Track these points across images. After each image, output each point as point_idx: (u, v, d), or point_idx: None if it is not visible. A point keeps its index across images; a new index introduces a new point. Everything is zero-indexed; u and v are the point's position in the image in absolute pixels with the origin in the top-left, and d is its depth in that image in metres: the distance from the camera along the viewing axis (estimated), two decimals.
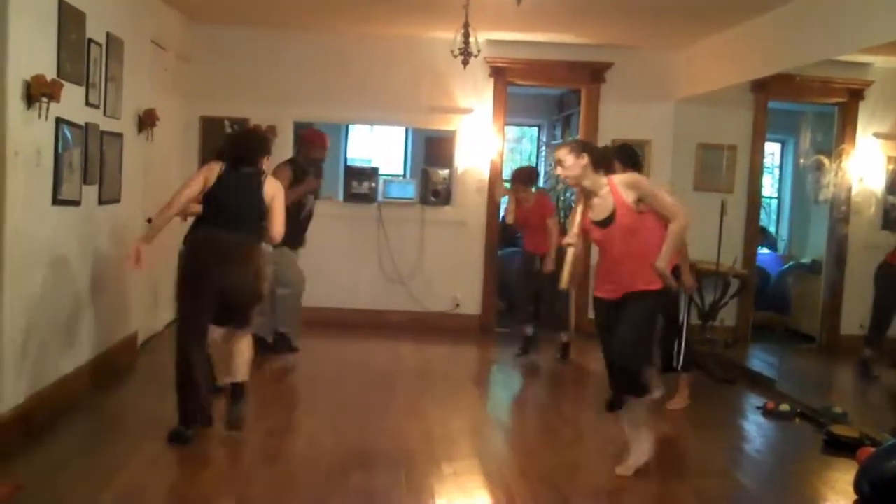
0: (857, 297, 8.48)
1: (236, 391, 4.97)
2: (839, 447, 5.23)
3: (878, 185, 8.69)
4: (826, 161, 8.80)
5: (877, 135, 8.56)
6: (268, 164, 5.12)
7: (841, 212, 8.64)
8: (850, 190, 8.59)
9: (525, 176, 7.56)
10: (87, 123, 5.42)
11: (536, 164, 11.95)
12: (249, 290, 4.87)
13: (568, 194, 9.41)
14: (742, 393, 6.85)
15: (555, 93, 11.16)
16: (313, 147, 6.93)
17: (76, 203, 5.30)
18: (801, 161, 9.73)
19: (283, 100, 8.59)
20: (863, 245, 8.56)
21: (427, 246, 8.89)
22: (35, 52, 4.65)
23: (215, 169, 4.84)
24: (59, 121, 4.90)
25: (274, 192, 4.92)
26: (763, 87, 8.44)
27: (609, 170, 4.74)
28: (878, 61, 8.04)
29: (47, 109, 4.67)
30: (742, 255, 8.65)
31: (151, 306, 7.38)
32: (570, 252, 4.63)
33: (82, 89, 5.34)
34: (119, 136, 6.12)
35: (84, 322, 5.60)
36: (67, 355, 5.33)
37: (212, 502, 4.10)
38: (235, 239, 4.80)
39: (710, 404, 6.49)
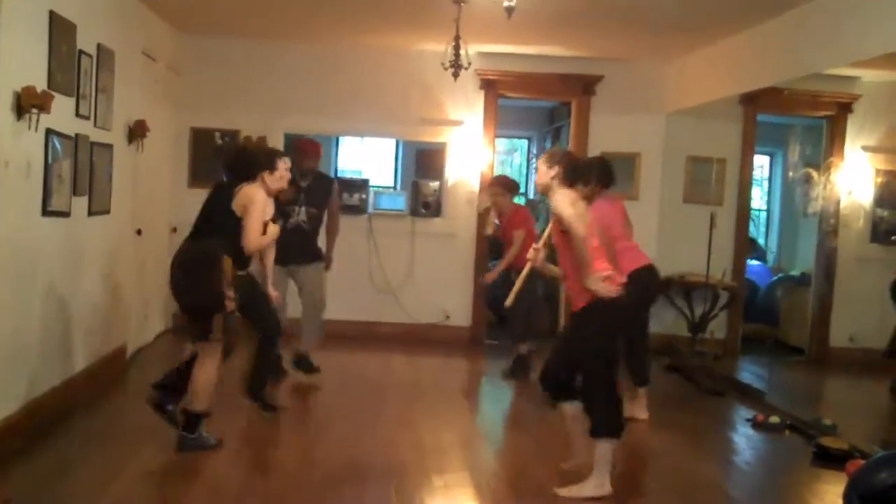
0: (846, 309, 8.54)
1: (185, 418, 4.78)
2: (829, 459, 5.24)
3: (866, 197, 8.75)
4: (815, 174, 8.86)
5: (865, 148, 8.63)
6: (269, 178, 5.08)
7: (830, 224, 8.69)
8: (838, 203, 8.64)
9: (504, 180, 7.52)
10: (77, 135, 5.40)
11: (527, 176, 11.97)
12: (192, 296, 4.75)
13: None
14: (732, 405, 6.85)
15: (545, 105, 11.20)
16: (306, 156, 6.61)
17: (66, 214, 5.28)
18: (790, 174, 9.80)
19: (274, 111, 8.59)
20: (852, 258, 8.62)
21: (417, 258, 8.89)
22: (26, 63, 4.64)
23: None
24: (49, 132, 4.89)
25: (244, 202, 4.88)
26: (752, 101, 8.49)
27: (585, 183, 4.79)
28: (867, 75, 8.10)
29: (37, 121, 4.66)
30: (731, 268, 8.68)
31: (142, 318, 7.35)
32: (527, 268, 4.68)
33: (73, 100, 5.33)
34: (109, 147, 6.11)
35: (74, 333, 5.58)
36: (57, 366, 5.30)
37: None
38: (189, 247, 4.85)
39: (700, 416, 6.50)
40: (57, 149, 5.03)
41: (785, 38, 6.52)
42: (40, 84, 4.72)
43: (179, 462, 4.67)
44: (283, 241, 5.61)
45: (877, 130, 8.59)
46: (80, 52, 5.41)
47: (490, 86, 8.81)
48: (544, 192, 4.60)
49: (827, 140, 8.73)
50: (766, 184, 11.31)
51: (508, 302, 4.87)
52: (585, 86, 8.87)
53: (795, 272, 9.90)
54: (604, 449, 4.44)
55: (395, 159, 11.75)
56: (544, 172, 4.54)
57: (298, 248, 6.47)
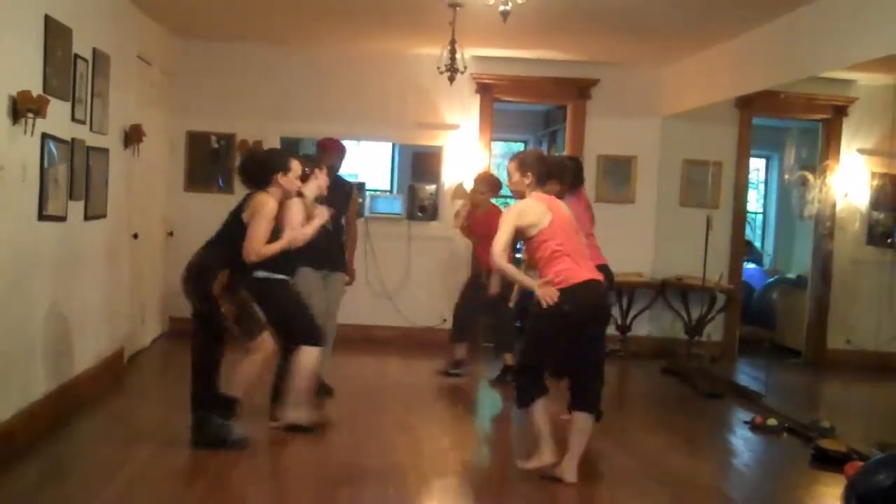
0: (842, 311, 8.53)
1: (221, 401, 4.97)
2: (827, 461, 5.24)
3: (862, 200, 8.75)
4: (810, 177, 8.86)
5: (861, 151, 8.62)
6: (284, 179, 4.95)
7: (826, 227, 8.69)
8: (834, 205, 8.64)
9: (489, 179, 7.35)
10: (73, 139, 5.39)
11: None
12: (196, 303, 4.92)
13: None
14: (729, 407, 6.85)
15: (541, 109, 11.21)
16: (325, 153, 6.26)
17: (62, 218, 5.27)
18: (786, 177, 9.81)
19: (270, 115, 8.58)
20: (848, 260, 8.62)
21: (413, 261, 8.89)
22: (21, 68, 4.63)
23: None
24: (44, 136, 4.87)
25: (253, 210, 4.87)
26: (748, 104, 8.49)
27: (560, 183, 4.94)
28: (862, 78, 8.10)
29: (33, 125, 4.65)
30: (728, 271, 8.69)
31: (139, 322, 7.34)
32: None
33: (68, 105, 5.32)
34: (105, 151, 6.10)
35: (71, 338, 5.56)
36: (54, 370, 5.28)
37: None
38: (193, 259, 4.94)
39: (698, 419, 6.51)
40: (53, 153, 5.02)
41: (780, 41, 6.53)
42: (36, 88, 4.71)
43: (177, 466, 4.66)
44: (311, 243, 5.37)
45: (872, 133, 8.58)
46: (76, 56, 5.40)
47: (486, 89, 8.82)
48: (518, 196, 4.76)
49: (823, 143, 8.73)
50: (762, 187, 11.33)
51: (511, 302, 4.88)
52: (581, 89, 8.88)
53: (792, 275, 9.91)
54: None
55: (392, 163, 11.74)
56: (518, 181, 4.69)
57: (326, 252, 6.04)
